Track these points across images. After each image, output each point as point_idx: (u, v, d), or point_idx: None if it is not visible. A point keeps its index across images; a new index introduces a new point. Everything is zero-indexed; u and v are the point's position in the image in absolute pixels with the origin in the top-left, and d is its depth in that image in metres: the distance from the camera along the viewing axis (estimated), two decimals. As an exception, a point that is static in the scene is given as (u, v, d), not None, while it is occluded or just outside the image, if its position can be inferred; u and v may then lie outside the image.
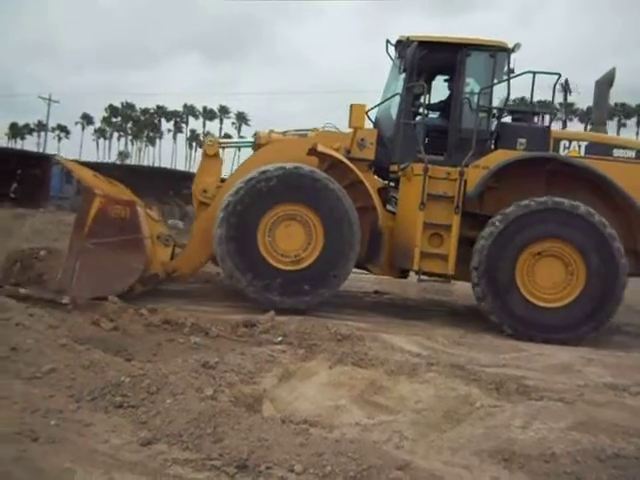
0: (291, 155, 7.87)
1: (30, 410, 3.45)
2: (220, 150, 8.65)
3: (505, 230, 7.34)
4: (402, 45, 8.37)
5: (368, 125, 8.44)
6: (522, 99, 12.94)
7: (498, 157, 7.75)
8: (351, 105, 7.85)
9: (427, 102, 8.69)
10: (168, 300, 7.36)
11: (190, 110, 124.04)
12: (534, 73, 7.77)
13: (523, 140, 7.92)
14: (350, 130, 8.11)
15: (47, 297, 6.22)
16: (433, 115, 9.06)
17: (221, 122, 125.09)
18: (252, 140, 9.04)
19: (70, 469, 2.92)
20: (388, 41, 8.78)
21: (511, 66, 8.21)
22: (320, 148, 7.73)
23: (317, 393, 4.31)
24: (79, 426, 3.35)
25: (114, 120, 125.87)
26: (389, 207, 8.45)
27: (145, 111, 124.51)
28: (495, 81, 8.14)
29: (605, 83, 8.52)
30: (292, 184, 7.46)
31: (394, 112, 8.43)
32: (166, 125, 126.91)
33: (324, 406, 4.08)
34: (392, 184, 8.67)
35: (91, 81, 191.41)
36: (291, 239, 7.50)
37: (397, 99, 8.37)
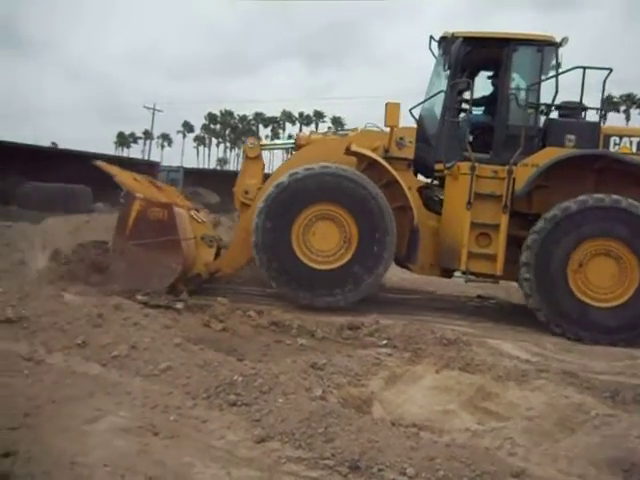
0: (330, 155, 7.84)
1: (150, 406, 3.62)
2: (262, 152, 8.69)
3: (559, 225, 7.12)
4: (446, 41, 8.16)
5: (409, 123, 8.27)
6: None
7: (548, 155, 7.51)
8: (386, 104, 7.71)
9: (471, 99, 8.35)
10: (273, 302, 7.51)
11: (287, 116, 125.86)
12: (584, 68, 7.46)
13: (572, 137, 7.63)
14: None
15: (162, 304, 6.47)
16: (477, 112, 8.76)
17: (316, 127, 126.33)
18: (293, 142, 9.07)
19: (190, 463, 3.04)
20: (432, 37, 8.54)
21: (559, 61, 7.90)
22: (354, 147, 7.69)
23: (425, 397, 4.28)
24: (196, 422, 3.48)
25: (213, 127, 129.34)
26: (432, 206, 8.28)
27: (243, 118, 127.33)
28: (543, 76, 7.89)
29: None
30: (321, 185, 7.44)
31: (438, 110, 8.23)
32: (264, 131, 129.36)
33: (433, 410, 4.05)
34: (436, 182, 8.53)
35: (194, 90, 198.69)
36: (325, 239, 7.49)
37: (441, 96, 8.17)
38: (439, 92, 8.19)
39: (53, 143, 63.57)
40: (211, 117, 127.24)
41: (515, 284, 8.16)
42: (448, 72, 8.15)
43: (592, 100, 8.00)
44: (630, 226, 7.01)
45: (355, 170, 7.66)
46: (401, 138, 8.04)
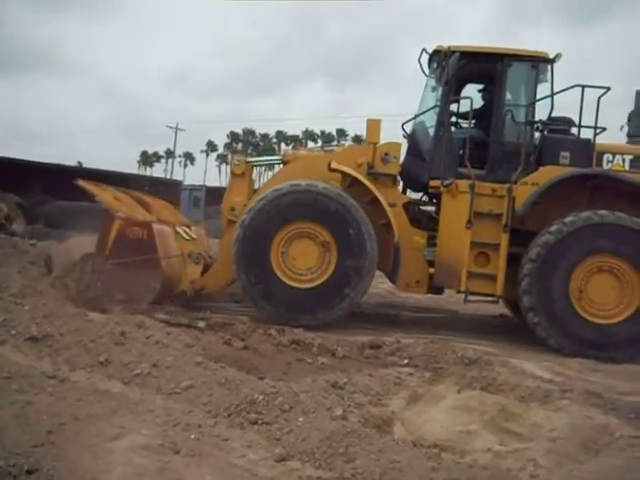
0: (315, 172, 7.83)
1: (171, 424, 3.63)
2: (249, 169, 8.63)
3: (563, 240, 7.10)
4: (440, 55, 8.14)
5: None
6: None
7: (547, 174, 7.49)
8: (367, 120, 7.77)
9: (471, 113, 8.25)
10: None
11: (309, 134, 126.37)
12: (583, 87, 7.42)
13: (566, 154, 7.65)
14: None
15: (184, 322, 6.51)
16: (463, 124, 8.77)
17: (338, 145, 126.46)
18: (280, 158, 9.05)
19: (210, 482, 3.05)
20: (424, 50, 8.48)
21: (553, 76, 7.88)
22: (333, 165, 7.69)
23: (447, 417, 4.25)
24: (217, 440, 3.48)
25: (235, 146, 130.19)
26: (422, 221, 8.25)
27: (265, 136, 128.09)
28: (537, 92, 7.88)
29: None
30: (304, 202, 7.41)
31: (431, 124, 8.19)
32: (286, 149, 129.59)
33: (454, 431, 4.02)
34: (426, 198, 8.52)
35: (220, 109, 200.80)
36: (305, 257, 7.46)
37: (433, 110, 8.15)
38: (434, 107, 8.17)
39: (79, 162, 64.30)
40: (233, 136, 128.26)
41: None
42: (441, 86, 8.12)
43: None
44: (632, 243, 7.06)
45: (329, 185, 7.59)
46: (386, 154, 7.98)
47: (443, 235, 7.81)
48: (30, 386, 3.98)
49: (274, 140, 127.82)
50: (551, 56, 7.84)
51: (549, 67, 7.87)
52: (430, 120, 8.25)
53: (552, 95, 7.81)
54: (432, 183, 7.96)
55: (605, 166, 7.64)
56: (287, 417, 3.75)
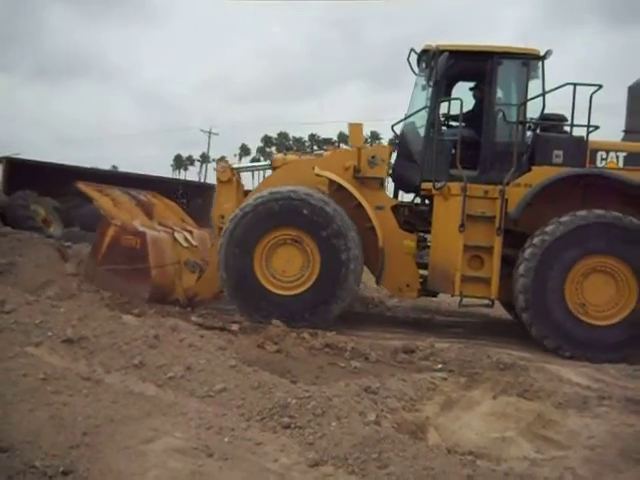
0: (303, 177, 7.76)
1: (205, 427, 3.64)
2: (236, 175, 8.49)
3: (558, 240, 6.98)
4: (429, 55, 7.94)
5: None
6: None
7: (540, 174, 7.36)
8: (349, 124, 7.71)
9: (461, 114, 7.99)
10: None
11: (343, 137, 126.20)
12: (575, 85, 7.29)
13: (559, 152, 7.48)
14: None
15: (217, 325, 6.54)
16: (454, 124, 8.49)
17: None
18: (268, 163, 8.96)
19: (244, 485, 3.04)
20: (412, 50, 8.22)
21: (544, 74, 7.77)
22: (316, 170, 7.64)
23: (482, 423, 4.20)
24: (250, 444, 3.48)
25: (268, 150, 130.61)
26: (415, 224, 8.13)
27: (298, 140, 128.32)
28: (530, 90, 7.72)
29: (639, 89, 7.88)
30: (286, 208, 7.30)
31: (422, 125, 8.05)
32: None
33: (490, 437, 3.96)
34: (418, 200, 8.39)
35: (257, 113, 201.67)
36: (288, 264, 7.37)
37: (423, 112, 8.00)
38: (424, 107, 8.03)
39: (113, 166, 65.31)
40: (267, 139, 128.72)
41: None
42: (430, 86, 8.00)
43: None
44: (628, 242, 6.93)
45: (312, 190, 7.49)
46: (373, 157, 7.88)
47: (436, 238, 7.73)
48: (66, 387, 4.03)
49: (307, 143, 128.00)
50: (542, 53, 7.74)
51: (540, 64, 7.78)
52: (420, 121, 8.14)
53: (544, 94, 7.71)
54: (424, 186, 7.83)
55: (599, 164, 7.49)
56: (320, 421, 3.73)
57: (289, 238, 7.35)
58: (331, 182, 7.79)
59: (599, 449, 3.82)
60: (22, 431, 3.32)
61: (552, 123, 7.88)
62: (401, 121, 8.40)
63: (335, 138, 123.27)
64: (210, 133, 64.43)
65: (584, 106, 7.47)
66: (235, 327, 6.57)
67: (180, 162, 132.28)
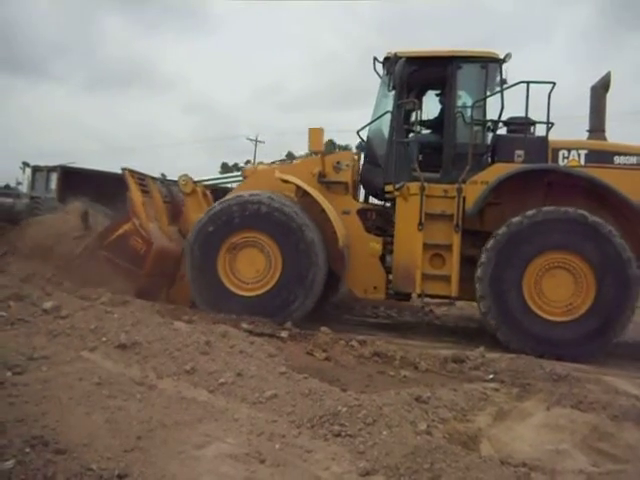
0: (271, 184, 7.94)
1: (256, 433, 3.66)
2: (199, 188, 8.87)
3: (510, 241, 6.99)
4: (390, 62, 8.06)
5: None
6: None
7: (496, 171, 7.39)
8: (309, 129, 7.78)
9: (419, 119, 8.36)
10: (376, 332, 7.47)
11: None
12: (528, 83, 7.35)
13: (521, 152, 7.54)
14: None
15: (267, 332, 6.58)
16: (425, 131, 8.69)
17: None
18: (238, 175, 9.11)
19: (296, 493, 3.04)
20: (375, 58, 8.49)
21: (503, 77, 7.86)
22: (277, 175, 7.82)
23: (535, 435, 4.11)
24: (301, 451, 3.47)
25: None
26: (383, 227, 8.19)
27: (344, 148, 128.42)
28: (488, 93, 7.81)
29: (601, 88, 7.87)
30: (247, 212, 7.47)
31: (386, 130, 8.16)
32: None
33: (544, 450, 3.87)
34: (387, 204, 8.44)
35: (307, 122, 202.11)
36: (252, 266, 7.51)
37: (388, 117, 8.10)
38: (385, 113, 8.18)
39: (162, 174, 66.18)
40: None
41: None
42: (393, 93, 8.08)
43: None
44: (583, 237, 6.91)
45: (275, 195, 7.62)
46: (338, 162, 8.14)
47: (398, 238, 7.82)
48: (120, 392, 4.09)
49: (354, 150, 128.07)
50: (501, 56, 7.85)
51: (499, 67, 7.88)
52: (385, 126, 8.29)
53: (502, 91, 7.80)
54: (387, 188, 8.00)
55: (561, 162, 7.52)
56: (371, 430, 3.71)
57: (252, 241, 7.55)
58: (298, 188, 7.99)
59: (658, 464, 3.71)
60: (78, 434, 3.37)
61: (512, 122, 7.95)
62: (365, 127, 8.60)
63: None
64: (256, 141, 65.02)
65: (585, 106, 7.78)
66: (284, 334, 6.59)
67: (227, 170, 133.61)
